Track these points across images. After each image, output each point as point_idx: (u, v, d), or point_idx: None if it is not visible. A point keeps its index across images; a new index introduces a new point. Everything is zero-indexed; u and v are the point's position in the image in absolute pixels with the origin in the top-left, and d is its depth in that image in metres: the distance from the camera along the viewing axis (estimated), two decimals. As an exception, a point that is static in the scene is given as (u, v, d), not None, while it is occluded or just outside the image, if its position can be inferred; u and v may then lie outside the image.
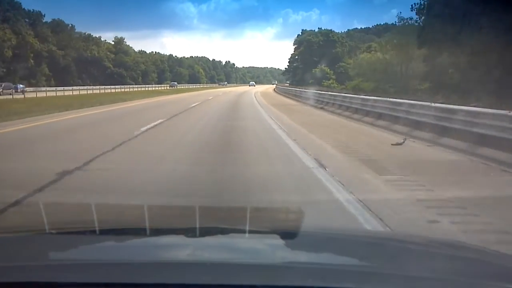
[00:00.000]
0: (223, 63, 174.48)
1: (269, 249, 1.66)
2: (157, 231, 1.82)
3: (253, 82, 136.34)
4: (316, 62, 67.36)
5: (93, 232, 1.72)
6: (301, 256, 1.63)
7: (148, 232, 1.73)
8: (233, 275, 1.28)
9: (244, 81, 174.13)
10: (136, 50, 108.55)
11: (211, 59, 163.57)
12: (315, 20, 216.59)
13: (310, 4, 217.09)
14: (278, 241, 1.78)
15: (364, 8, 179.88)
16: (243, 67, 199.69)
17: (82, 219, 2.84)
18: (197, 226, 1.81)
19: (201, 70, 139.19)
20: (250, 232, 1.76)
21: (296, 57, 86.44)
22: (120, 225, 2.17)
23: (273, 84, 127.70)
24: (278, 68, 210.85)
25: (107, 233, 1.82)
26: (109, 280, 1.23)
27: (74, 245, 1.73)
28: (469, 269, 1.50)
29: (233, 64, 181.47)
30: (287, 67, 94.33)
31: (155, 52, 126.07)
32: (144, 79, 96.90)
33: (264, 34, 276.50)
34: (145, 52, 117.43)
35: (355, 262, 1.52)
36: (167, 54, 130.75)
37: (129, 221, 2.58)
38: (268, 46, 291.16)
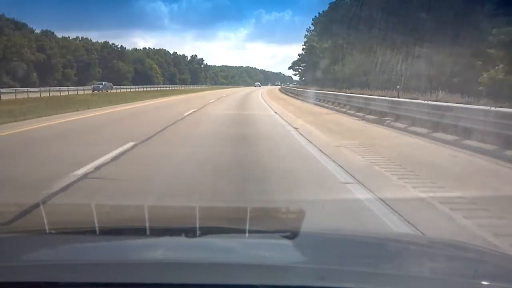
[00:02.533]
0: (188, 58, 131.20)
1: (269, 249, 1.66)
2: (157, 231, 1.82)
3: (259, 83, 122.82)
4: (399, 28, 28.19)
5: (93, 232, 1.73)
6: (301, 256, 1.63)
7: (148, 232, 1.73)
8: (233, 275, 1.28)
9: (216, 82, 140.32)
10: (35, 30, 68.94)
11: (171, 52, 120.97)
12: (288, 21, 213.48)
13: (283, 4, 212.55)
14: (278, 241, 1.78)
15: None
16: (214, 65, 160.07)
17: (82, 219, 2.84)
18: (197, 226, 1.81)
19: (155, 66, 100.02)
20: (250, 232, 1.76)
21: (325, 31, 45.19)
22: (120, 225, 2.18)
23: (276, 85, 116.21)
24: (255, 67, 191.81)
25: (107, 233, 1.82)
26: (109, 280, 1.23)
27: (74, 245, 1.73)
28: (469, 269, 1.50)
29: (201, 60, 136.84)
30: (299, 56, 69.74)
31: (80, 38, 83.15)
32: (45, 78, 60.51)
33: (237, 35, 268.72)
34: (52, 33, 73.47)
35: (355, 262, 1.52)
36: (101, 41, 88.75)
37: (129, 221, 2.58)
38: (242, 47, 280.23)
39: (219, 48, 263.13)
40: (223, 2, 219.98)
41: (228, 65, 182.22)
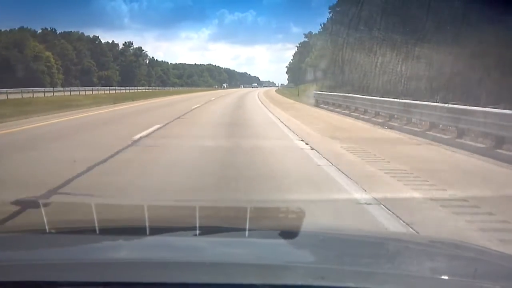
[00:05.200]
0: (120, 46, 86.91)
1: (269, 249, 1.66)
2: (157, 231, 1.82)
3: (256, 84, 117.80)
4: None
5: (93, 232, 1.72)
6: (301, 256, 1.63)
7: (148, 232, 1.73)
8: (233, 275, 1.28)
9: (164, 83, 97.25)
10: None
11: (91, 36, 79.98)
12: (251, 21, 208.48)
13: (246, 5, 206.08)
14: (278, 241, 1.78)
15: (301, 9, 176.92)
16: (164, 61, 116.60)
17: (82, 219, 2.84)
18: (197, 226, 1.81)
19: (46, 55, 59.43)
20: (250, 232, 1.76)
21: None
22: (120, 225, 2.17)
23: (259, 87, 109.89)
24: (218, 65, 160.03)
25: (107, 233, 1.82)
26: (109, 280, 1.23)
27: (74, 245, 1.73)
28: (469, 269, 1.50)
29: (140, 50, 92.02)
30: (293, 57, 69.92)
31: None
32: None
33: (199, 35, 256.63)
34: None
35: (355, 262, 1.52)
36: None
37: (129, 221, 2.58)
38: (205, 47, 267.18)
39: (181, 48, 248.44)
40: (185, 2, 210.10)
41: (187, 62, 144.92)
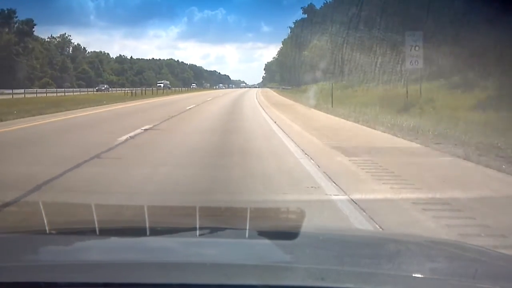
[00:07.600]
0: (14, 22, 55.18)
1: (269, 249, 1.66)
2: (157, 231, 1.82)
3: (244, 85, 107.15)
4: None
5: (93, 232, 1.72)
6: (301, 256, 1.63)
7: (148, 232, 1.73)
8: (233, 275, 1.28)
9: (89, 82, 62.51)
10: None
11: None
12: (221, 20, 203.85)
13: (216, 3, 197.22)
14: (278, 241, 1.78)
15: (271, 8, 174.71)
16: (103, 52, 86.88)
17: (82, 219, 2.83)
18: (197, 226, 1.81)
19: None
20: (250, 232, 1.76)
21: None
22: (120, 225, 2.18)
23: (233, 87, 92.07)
24: (182, 62, 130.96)
25: (107, 233, 1.82)
26: (109, 280, 1.23)
27: (74, 245, 1.73)
28: (469, 269, 1.50)
29: (33, 27, 55.45)
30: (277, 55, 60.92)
31: None
32: None
33: (168, 33, 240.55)
34: None
35: (354, 262, 1.52)
36: None
37: (129, 221, 2.58)
38: (174, 46, 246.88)
39: (149, 47, 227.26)
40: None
41: (145, 58, 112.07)
